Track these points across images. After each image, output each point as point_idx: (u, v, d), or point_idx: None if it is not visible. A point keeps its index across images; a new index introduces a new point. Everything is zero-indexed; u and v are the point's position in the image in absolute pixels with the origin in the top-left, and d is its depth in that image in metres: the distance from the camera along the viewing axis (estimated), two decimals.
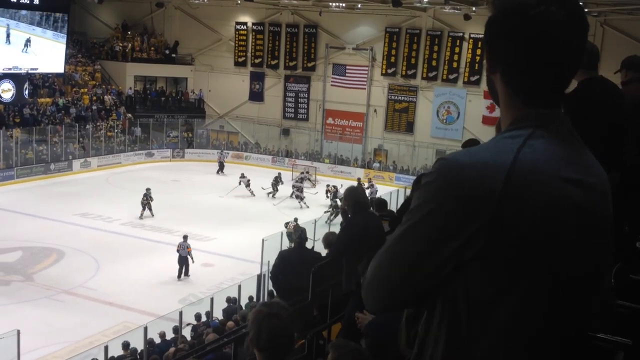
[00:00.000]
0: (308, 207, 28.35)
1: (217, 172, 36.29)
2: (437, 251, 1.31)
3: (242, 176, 31.24)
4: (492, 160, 1.29)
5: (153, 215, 26.32)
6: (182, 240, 20.40)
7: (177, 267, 20.11)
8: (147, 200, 26.23)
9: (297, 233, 7.75)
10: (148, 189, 26.51)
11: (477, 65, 34.82)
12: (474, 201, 1.27)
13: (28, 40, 21.27)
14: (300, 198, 29.68)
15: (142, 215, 26.20)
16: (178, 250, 20.26)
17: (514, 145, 1.30)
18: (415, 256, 1.34)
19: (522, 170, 1.27)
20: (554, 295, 1.32)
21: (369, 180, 29.52)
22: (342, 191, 32.47)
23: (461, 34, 35.19)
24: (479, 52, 34.80)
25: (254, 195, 30.29)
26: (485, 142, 1.38)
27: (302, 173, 32.55)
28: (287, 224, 22.57)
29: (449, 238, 1.29)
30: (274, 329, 2.35)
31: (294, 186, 30.65)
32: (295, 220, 22.37)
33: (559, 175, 1.30)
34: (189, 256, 20.12)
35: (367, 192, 25.97)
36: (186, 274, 20.16)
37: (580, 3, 1.41)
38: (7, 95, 21.38)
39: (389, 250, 1.39)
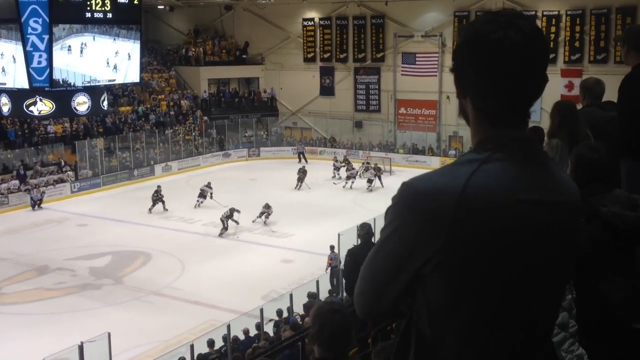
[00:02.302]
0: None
1: (299, 161, 37.00)
2: (400, 268, 1.43)
3: (208, 186, 28.47)
4: (445, 186, 1.36)
5: (166, 210, 27.57)
6: (330, 252, 18.85)
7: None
8: (157, 196, 27.59)
9: (363, 229, 7.76)
10: (159, 186, 28.08)
11: (552, 43, 33.68)
12: (428, 225, 1.37)
13: (103, 53, 21.99)
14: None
15: (151, 209, 27.49)
16: (331, 264, 18.55)
17: (468, 170, 1.37)
18: (384, 272, 1.46)
19: (475, 194, 1.34)
20: (512, 301, 1.40)
21: None
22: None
23: (534, 12, 34.06)
24: (553, 29, 33.92)
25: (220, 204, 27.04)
26: (446, 165, 1.45)
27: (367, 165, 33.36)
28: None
29: (409, 257, 1.41)
30: (336, 325, 2.43)
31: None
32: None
33: (515, 197, 1.36)
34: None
35: None
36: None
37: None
38: (83, 108, 22.04)
39: (366, 265, 1.51)
